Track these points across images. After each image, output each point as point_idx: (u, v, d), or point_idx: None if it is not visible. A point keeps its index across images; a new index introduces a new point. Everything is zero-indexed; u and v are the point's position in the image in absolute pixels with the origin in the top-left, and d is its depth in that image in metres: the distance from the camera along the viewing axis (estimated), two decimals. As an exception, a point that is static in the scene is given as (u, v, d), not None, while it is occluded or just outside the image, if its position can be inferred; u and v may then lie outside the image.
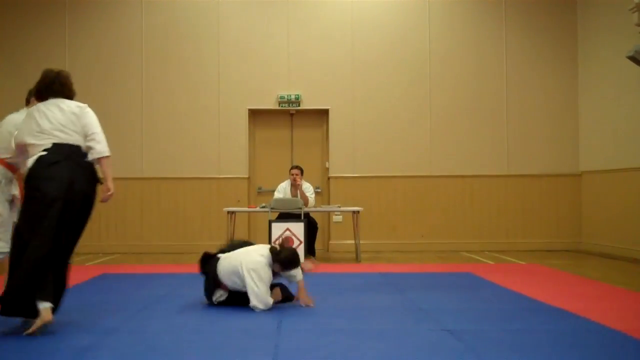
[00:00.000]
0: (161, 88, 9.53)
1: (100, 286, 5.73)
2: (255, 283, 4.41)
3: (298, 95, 9.48)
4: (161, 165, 9.37)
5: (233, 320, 4.22)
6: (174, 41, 9.56)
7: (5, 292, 3.64)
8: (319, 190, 9.53)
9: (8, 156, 4.53)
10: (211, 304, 4.66)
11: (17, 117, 4.60)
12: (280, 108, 9.53)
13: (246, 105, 9.52)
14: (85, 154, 3.96)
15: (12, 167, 4.60)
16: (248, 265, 4.45)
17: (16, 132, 4.16)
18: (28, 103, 4.76)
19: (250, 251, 4.64)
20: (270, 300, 4.46)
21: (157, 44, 9.54)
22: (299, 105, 9.52)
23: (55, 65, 4.42)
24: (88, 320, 4.18)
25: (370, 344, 3.52)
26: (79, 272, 6.24)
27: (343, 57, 9.55)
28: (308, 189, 8.23)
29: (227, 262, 4.57)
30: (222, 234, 8.65)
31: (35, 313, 3.60)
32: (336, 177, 9.49)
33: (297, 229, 7.64)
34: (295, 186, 8.17)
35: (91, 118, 4.02)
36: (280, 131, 9.76)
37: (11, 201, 4.68)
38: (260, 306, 4.41)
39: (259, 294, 4.41)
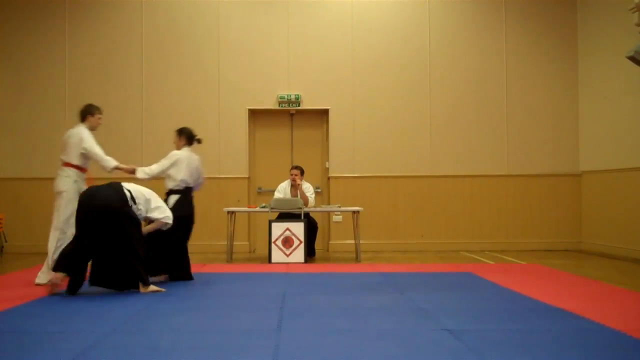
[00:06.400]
0: (161, 88, 9.53)
1: (100, 286, 5.72)
2: None
3: (298, 95, 9.47)
4: (161, 165, 9.34)
5: (233, 320, 4.23)
6: (174, 41, 9.56)
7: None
8: (319, 190, 9.52)
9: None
10: None
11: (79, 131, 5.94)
12: (280, 108, 9.53)
13: (246, 105, 9.52)
14: None
15: (83, 169, 5.96)
16: None
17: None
18: (83, 120, 5.99)
19: None
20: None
21: (157, 44, 9.54)
22: (299, 105, 9.51)
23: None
24: (88, 320, 4.18)
25: (370, 344, 3.52)
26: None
27: (343, 57, 9.55)
28: (308, 189, 8.24)
29: None
30: (222, 234, 8.67)
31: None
32: (336, 177, 9.49)
33: (297, 229, 7.65)
34: (295, 186, 8.18)
35: None
36: (280, 131, 9.76)
37: None
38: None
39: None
